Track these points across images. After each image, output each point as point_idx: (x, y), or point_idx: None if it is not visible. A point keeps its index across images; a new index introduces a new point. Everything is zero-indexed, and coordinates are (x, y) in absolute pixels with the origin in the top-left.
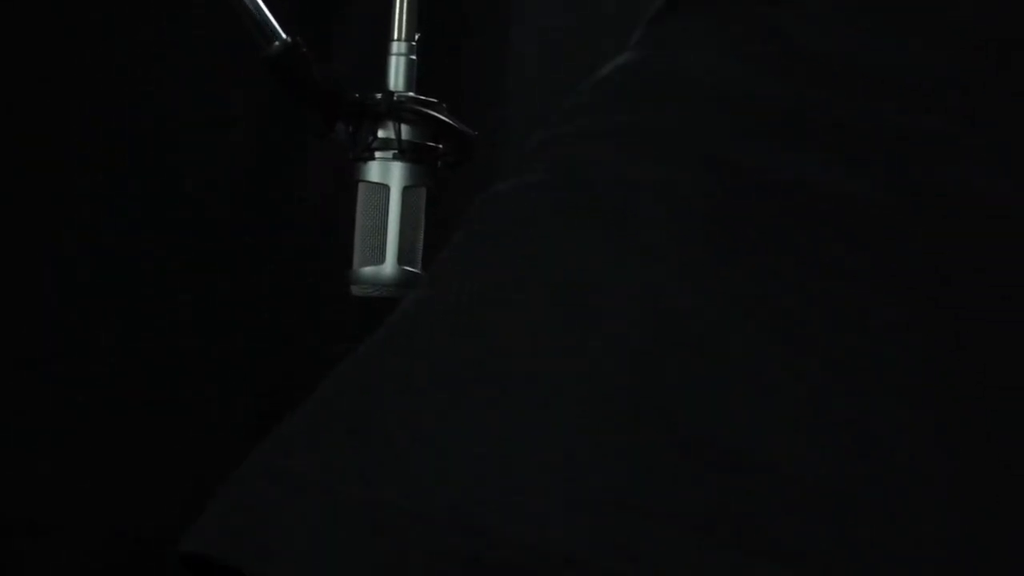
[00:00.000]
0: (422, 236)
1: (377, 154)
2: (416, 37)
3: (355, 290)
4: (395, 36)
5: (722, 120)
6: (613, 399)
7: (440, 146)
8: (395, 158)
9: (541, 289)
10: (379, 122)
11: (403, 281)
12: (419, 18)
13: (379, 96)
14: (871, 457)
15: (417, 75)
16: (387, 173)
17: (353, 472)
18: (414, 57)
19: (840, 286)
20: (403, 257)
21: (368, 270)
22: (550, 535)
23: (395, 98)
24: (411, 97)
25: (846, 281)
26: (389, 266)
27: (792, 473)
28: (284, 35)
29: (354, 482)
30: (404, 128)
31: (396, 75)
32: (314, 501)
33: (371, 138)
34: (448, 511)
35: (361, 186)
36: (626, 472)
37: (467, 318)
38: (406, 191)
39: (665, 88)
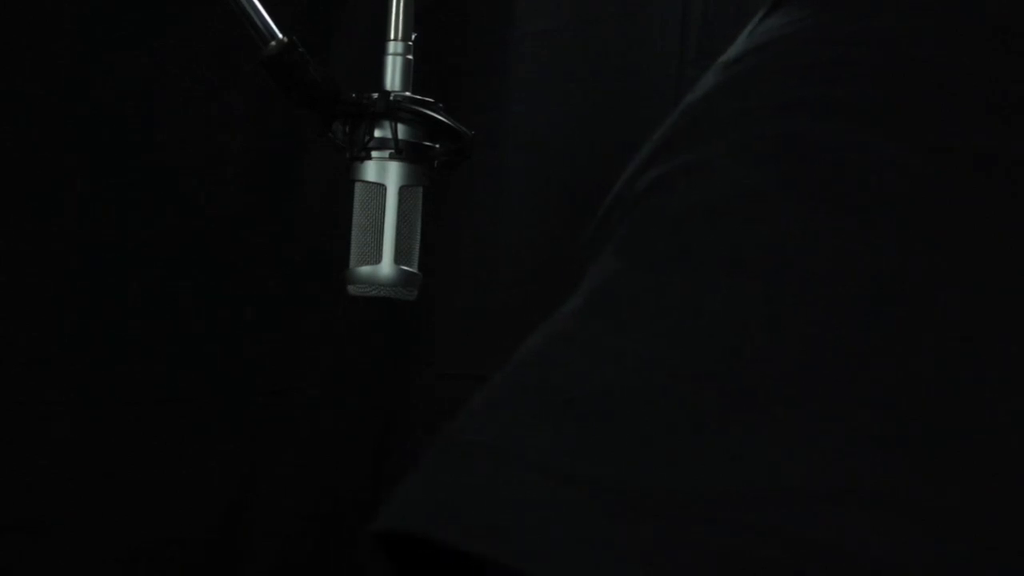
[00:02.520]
0: (419, 235)
1: (374, 154)
2: (413, 37)
3: (352, 289)
4: (392, 36)
5: (935, 95)
6: (877, 392)
7: (437, 146)
8: (392, 158)
9: (773, 272)
10: (376, 122)
11: (400, 280)
12: (416, 18)
13: (376, 96)
14: None
15: (414, 75)
16: (384, 173)
17: (582, 451)
18: (411, 57)
19: None
20: (400, 256)
21: (365, 269)
22: (843, 534)
23: (392, 98)
24: (408, 97)
25: None
26: (386, 265)
27: None
28: (281, 35)
29: (585, 461)
30: (401, 128)
31: (393, 75)
32: (540, 478)
33: (368, 138)
34: (710, 499)
35: (358, 186)
36: (906, 466)
37: (689, 295)
38: (403, 190)
39: (856, 58)
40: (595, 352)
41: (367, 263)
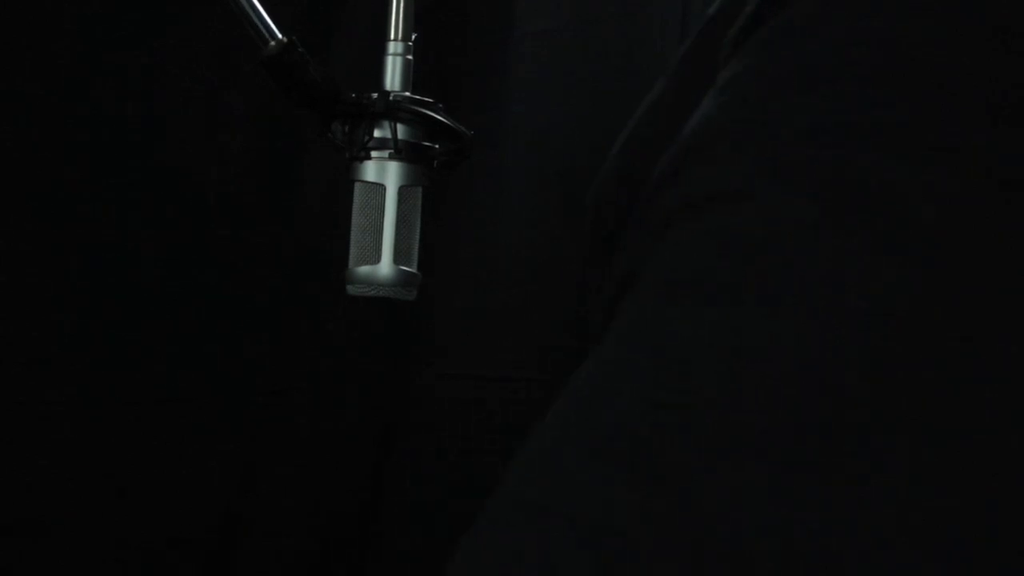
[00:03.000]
0: (418, 236)
1: (373, 154)
2: (413, 37)
3: (351, 289)
4: (392, 36)
5: (960, 106)
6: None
7: (436, 146)
8: (391, 157)
9: (814, 312)
10: (375, 122)
11: (399, 281)
12: (416, 18)
13: (376, 96)
14: None
15: (414, 75)
16: (383, 172)
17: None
18: (411, 57)
19: None
20: (399, 257)
21: (364, 269)
22: None
23: (391, 98)
24: (407, 97)
25: None
26: (385, 266)
27: None
28: (281, 35)
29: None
30: (400, 128)
31: (393, 75)
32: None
33: (367, 138)
34: None
35: (357, 185)
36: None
37: (730, 337)
38: (402, 191)
39: (872, 67)
40: (642, 398)
41: (366, 263)
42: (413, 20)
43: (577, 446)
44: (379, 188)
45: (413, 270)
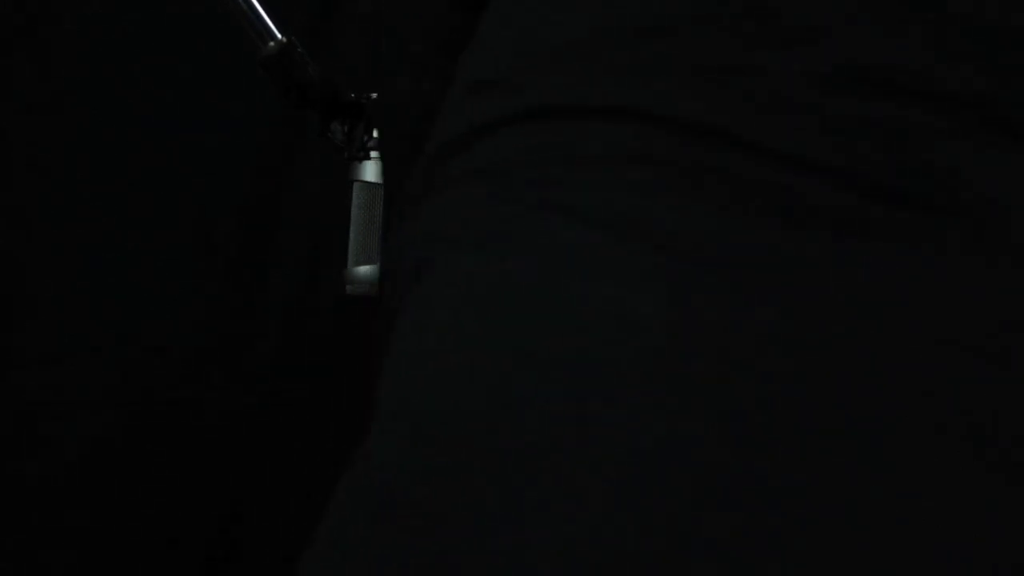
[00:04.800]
0: None
1: (372, 153)
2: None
3: (350, 289)
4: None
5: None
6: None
7: None
8: None
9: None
10: (374, 121)
11: None
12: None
13: (374, 96)
14: None
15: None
16: (382, 172)
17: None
18: None
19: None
20: None
21: (363, 269)
22: None
23: None
24: None
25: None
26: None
27: None
28: (280, 35)
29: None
30: None
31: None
32: None
33: (366, 137)
34: None
35: (356, 185)
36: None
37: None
38: None
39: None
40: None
41: (365, 263)
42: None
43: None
44: (378, 188)
45: None
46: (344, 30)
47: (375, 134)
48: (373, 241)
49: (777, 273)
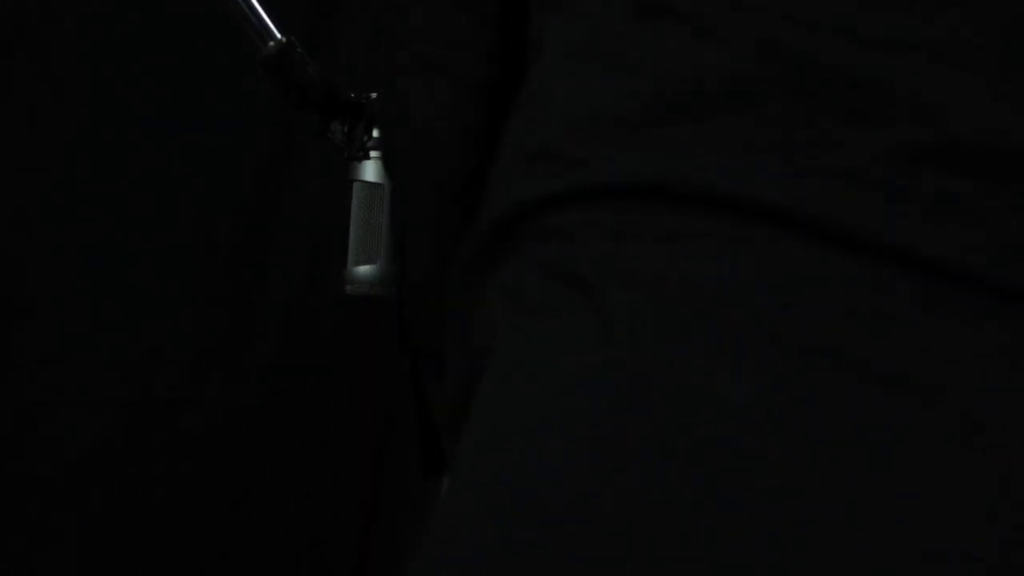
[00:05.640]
0: None
1: (372, 153)
2: None
3: (350, 289)
4: None
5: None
6: None
7: None
8: None
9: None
10: (374, 121)
11: (398, 280)
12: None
13: (374, 95)
14: None
15: None
16: (382, 172)
17: None
18: None
19: None
20: (398, 256)
21: (363, 269)
22: None
23: None
24: None
25: None
26: (384, 265)
27: None
28: (280, 35)
29: None
30: None
31: None
32: None
33: (366, 137)
34: None
35: (356, 185)
36: None
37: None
38: None
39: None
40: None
41: (365, 262)
42: None
43: None
44: (378, 187)
45: None
46: (344, 30)
47: (375, 134)
48: (373, 241)
49: None
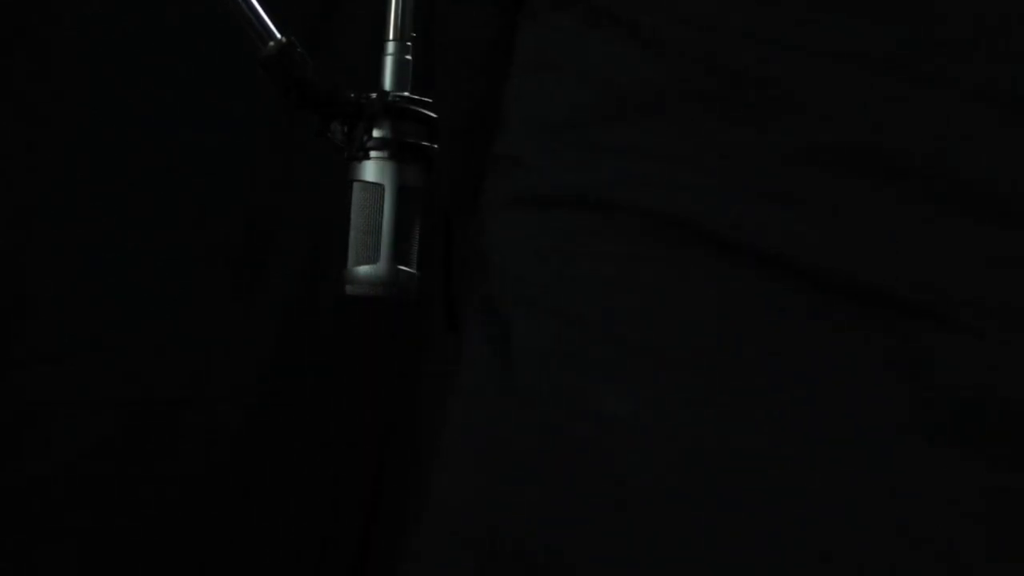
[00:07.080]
0: (417, 235)
1: (372, 153)
2: (412, 37)
3: (350, 289)
4: (390, 36)
5: None
6: None
7: (435, 145)
8: (390, 157)
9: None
10: (374, 122)
11: (397, 280)
12: (415, 18)
13: (374, 96)
14: None
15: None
16: (382, 172)
17: None
18: (409, 57)
19: None
20: (398, 257)
21: (363, 269)
22: None
23: (390, 98)
24: (406, 97)
25: None
26: (384, 265)
27: None
28: (280, 35)
29: None
30: (399, 128)
31: (391, 75)
32: None
33: (366, 137)
34: None
35: (356, 186)
36: None
37: None
38: (401, 190)
39: None
40: None
41: (365, 263)
42: (412, 20)
43: None
44: (378, 188)
45: (412, 270)
46: (344, 30)
47: (375, 134)
48: (373, 241)
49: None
